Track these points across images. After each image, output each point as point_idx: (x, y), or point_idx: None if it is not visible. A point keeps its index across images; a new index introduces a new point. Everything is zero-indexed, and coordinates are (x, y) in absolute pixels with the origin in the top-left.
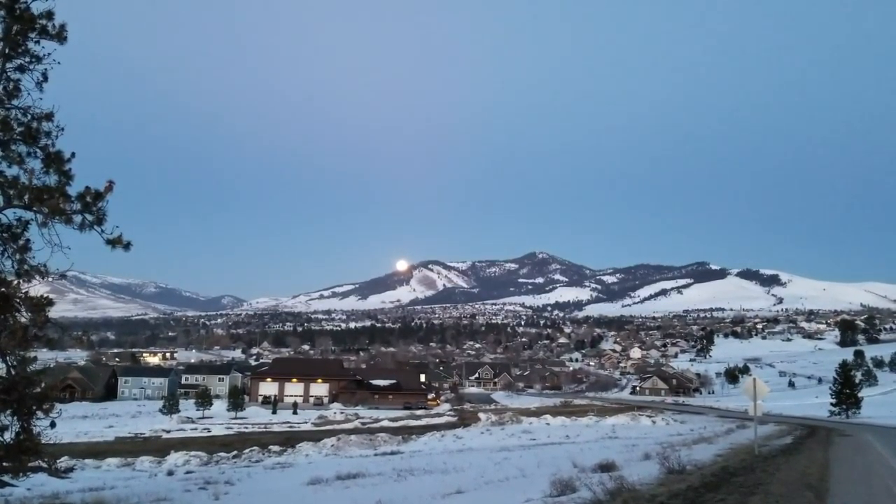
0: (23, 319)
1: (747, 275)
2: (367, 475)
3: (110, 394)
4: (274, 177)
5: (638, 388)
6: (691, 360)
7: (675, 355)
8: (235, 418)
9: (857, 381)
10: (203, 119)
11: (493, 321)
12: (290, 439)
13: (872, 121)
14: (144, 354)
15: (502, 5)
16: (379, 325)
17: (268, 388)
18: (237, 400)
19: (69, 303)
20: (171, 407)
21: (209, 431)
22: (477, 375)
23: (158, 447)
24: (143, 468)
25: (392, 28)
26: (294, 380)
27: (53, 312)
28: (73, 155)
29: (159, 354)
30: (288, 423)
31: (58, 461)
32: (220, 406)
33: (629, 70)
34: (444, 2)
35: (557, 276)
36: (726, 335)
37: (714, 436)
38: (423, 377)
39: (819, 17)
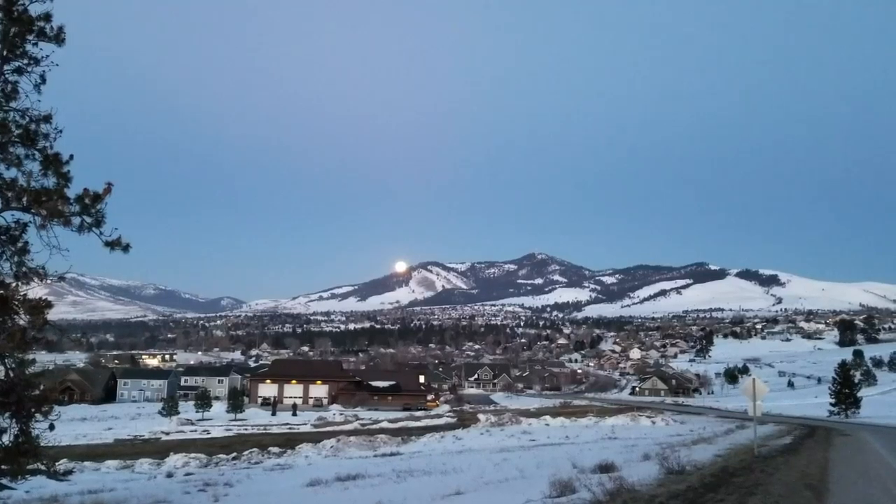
0: (21, 322)
1: (746, 275)
2: (366, 476)
3: (109, 396)
4: (273, 178)
5: (637, 389)
6: (691, 361)
7: (675, 356)
8: (235, 420)
9: (856, 380)
10: (202, 121)
11: (492, 322)
12: (289, 441)
13: (871, 120)
14: (144, 356)
15: (503, 4)
16: (378, 326)
17: (267, 389)
18: (236, 401)
19: (68, 305)
20: (170, 409)
21: (208, 433)
22: (476, 376)
23: (158, 449)
24: (142, 470)
25: (391, 28)
26: (293, 381)
27: (52, 315)
28: (71, 157)
29: (158, 356)
30: (287, 424)
31: (57, 463)
32: (219, 408)
33: (628, 70)
34: (444, 1)
35: (556, 277)
36: (725, 335)
37: (713, 436)
38: (422, 378)
39: (821, 16)
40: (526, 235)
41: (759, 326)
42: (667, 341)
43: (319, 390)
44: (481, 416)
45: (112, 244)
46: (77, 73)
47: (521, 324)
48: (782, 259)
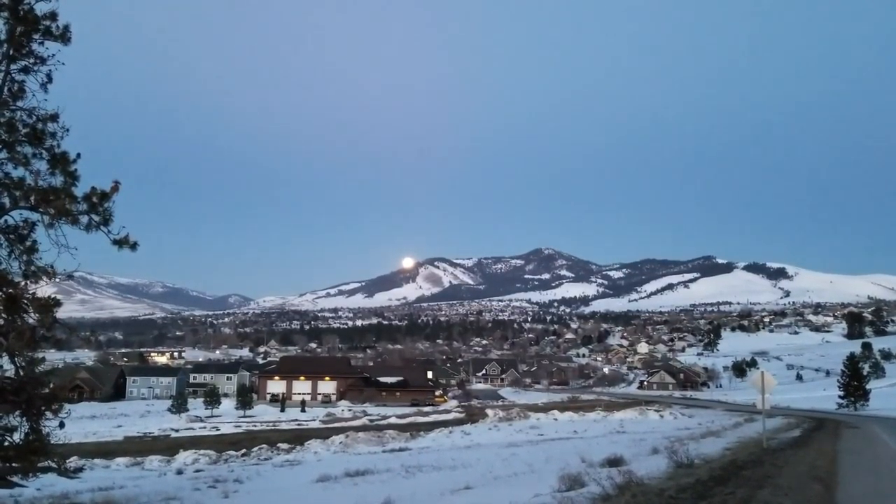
0: (30, 320)
1: (754, 268)
2: (375, 472)
3: (119, 394)
4: (280, 176)
5: (645, 383)
6: (699, 355)
7: (683, 349)
8: (244, 417)
9: (864, 373)
10: (209, 118)
11: (499, 317)
12: (298, 437)
13: (877, 112)
14: (152, 354)
15: (508, 2)
16: (386, 322)
17: (276, 386)
18: (245, 398)
19: (76, 303)
20: (179, 406)
21: (218, 430)
22: (484, 372)
23: (167, 446)
24: (152, 467)
25: (397, 26)
26: (302, 378)
27: (61, 313)
28: (78, 156)
29: (167, 354)
30: (296, 420)
31: (67, 461)
32: (228, 405)
33: (635, 66)
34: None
35: (563, 272)
36: (733, 329)
37: (722, 429)
38: (430, 374)
39: (824, 10)
40: (532, 230)
41: (766, 319)
42: (674, 335)
43: (328, 387)
44: (489, 412)
45: (120, 242)
46: (84, 71)
47: (529, 319)
48: (790, 252)
